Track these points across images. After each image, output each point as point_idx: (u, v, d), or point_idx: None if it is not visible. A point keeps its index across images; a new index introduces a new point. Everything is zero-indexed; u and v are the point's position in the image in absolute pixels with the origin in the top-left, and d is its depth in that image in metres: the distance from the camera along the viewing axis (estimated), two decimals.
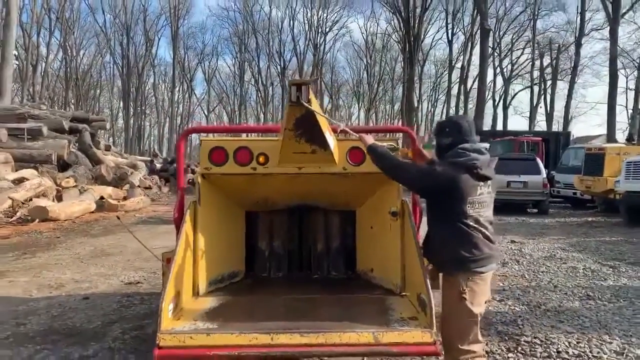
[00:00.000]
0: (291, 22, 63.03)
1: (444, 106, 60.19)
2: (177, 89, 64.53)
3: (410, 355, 2.89)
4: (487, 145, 21.53)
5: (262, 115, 66.16)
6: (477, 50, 42.87)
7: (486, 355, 3.07)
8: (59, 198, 14.31)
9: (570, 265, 7.81)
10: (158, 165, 26.56)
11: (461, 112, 53.65)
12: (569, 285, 6.54)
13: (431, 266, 3.73)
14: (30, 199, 12.98)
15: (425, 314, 2.82)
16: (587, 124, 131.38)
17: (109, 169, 18.97)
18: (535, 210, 15.93)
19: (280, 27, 63.37)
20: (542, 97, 52.43)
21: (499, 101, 54.45)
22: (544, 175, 15.45)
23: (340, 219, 4.29)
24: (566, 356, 4.07)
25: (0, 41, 24.55)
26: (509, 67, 55.32)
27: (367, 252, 4.04)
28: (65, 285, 6.42)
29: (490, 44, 45.06)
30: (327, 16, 62.02)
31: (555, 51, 50.16)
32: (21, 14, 40.30)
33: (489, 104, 50.64)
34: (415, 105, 55.18)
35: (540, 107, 52.25)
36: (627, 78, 44.44)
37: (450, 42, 53.75)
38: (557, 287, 6.48)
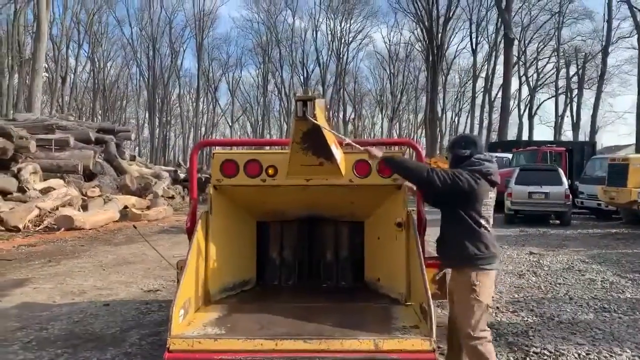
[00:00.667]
0: (314, 32, 63.59)
1: (467, 115, 59.77)
2: (201, 99, 65.44)
3: None
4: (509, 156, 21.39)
5: (285, 126, 66.61)
6: (501, 59, 42.57)
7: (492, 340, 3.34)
8: (84, 207, 14.68)
9: (589, 277, 7.75)
10: (182, 175, 26.94)
11: (485, 122, 53.34)
12: (585, 297, 6.50)
13: (440, 275, 3.80)
14: (57, 208, 13.36)
15: (427, 323, 2.89)
16: (615, 134, 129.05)
17: (133, 179, 19.36)
18: (558, 222, 15.75)
19: (303, 37, 63.99)
20: (569, 106, 51.74)
21: (525, 110, 53.91)
22: (566, 186, 15.26)
23: (349, 230, 4.38)
24: None
25: (31, 54, 25.32)
26: (535, 76, 54.76)
27: (374, 262, 4.12)
28: (87, 292, 6.62)
29: (515, 52, 44.82)
30: (350, 26, 62.46)
31: (582, 60, 49.48)
32: (51, 28, 41.51)
33: (514, 114, 50.29)
34: (439, 114, 54.99)
35: (567, 117, 51.63)
36: None
37: (474, 52, 53.50)
38: (573, 299, 6.44)
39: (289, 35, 63.82)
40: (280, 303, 3.67)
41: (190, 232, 3.57)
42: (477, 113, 55.01)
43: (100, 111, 59.96)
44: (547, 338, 4.80)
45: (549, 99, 55.28)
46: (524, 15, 50.40)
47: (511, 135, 44.81)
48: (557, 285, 7.26)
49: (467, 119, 60.25)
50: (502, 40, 40.19)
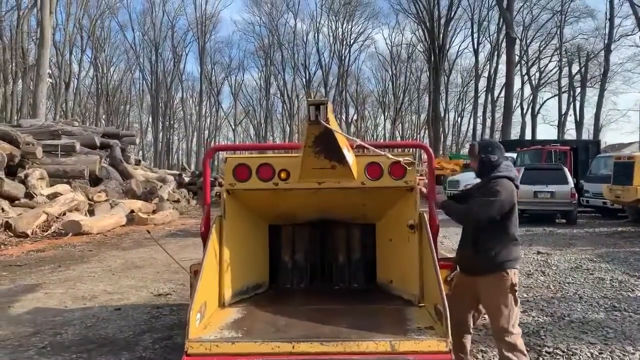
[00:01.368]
0: (316, 35, 63.78)
1: (470, 116, 59.82)
2: (204, 103, 65.69)
3: None
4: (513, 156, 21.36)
5: (287, 128, 66.75)
6: (503, 58, 42.63)
7: None
8: (91, 212, 14.76)
9: (597, 276, 7.75)
10: (186, 179, 27.02)
11: (488, 121, 53.29)
12: (594, 297, 6.51)
13: (451, 276, 3.85)
14: (64, 213, 13.42)
15: (442, 323, 2.91)
16: (619, 132, 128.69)
17: (139, 183, 19.44)
18: (564, 221, 15.73)
19: (305, 40, 64.20)
20: (572, 105, 51.66)
21: (527, 109, 53.88)
22: (572, 185, 15.23)
23: (361, 232, 4.40)
24: None
25: (35, 60, 25.41)
26: (537, 74, 54.70)
27: (386, 264, 4.14)
28: (98, 297, 6.66)
29: (517, 52, 44.79)
30: (351, 28, 62.64)
31: (584, 58, 49.38)
32: (54, 34, 41.66)
33: (517, 113, 50.20)
34: (442, 115, 54.99)
35: (570, 115, 51.53)
36: None
37: (476, 51, 53.55)
38: (583, 298, 6.45)
39: (290, 38, 64.08)
40: (294, 306, 3.68)
41: (204, 236, 3.60)
42: (480, 113, 55.09)
43: (104, 116, 60.21)
44: (558, 337, 4.82)
45: (551, 97, 55.28)
46: (526, 14, 50.49)
47: (514, 134, 44.79)
48: (566, 284, 7.27)
49: (469, 119, 60.40)
50: (504, 40, 40.23)
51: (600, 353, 4.39)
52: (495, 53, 51.55)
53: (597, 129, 45.28)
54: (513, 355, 3.36)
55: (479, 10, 52.08)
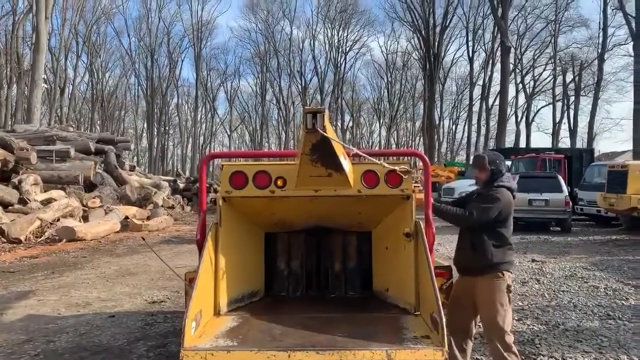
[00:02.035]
0: (312, 42, 63.85)
1: (465, 124, 60.04)
2: (199, 109, 65.59)
3: None
4: (507, 163, 21.43)
5: (283, 135, 66.76)
6: (498, 67, 42.85)
7: None
8: (85, 218, 14.68)
9: (592, 285, 7.77)
10: (181, 185, 26.97)
11: (483, 129, 53.46)
12: (589, 305, 6.52)
13: (447, 284, 3.88)
14: (58, 219, 13.35)
15: (438, 332, 2.91)
16: (612, 140, 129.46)
17: (133, 189, 19.37)
18: (558, 229, 15.78)
19: (301, 47, 64.31)
20: (566, 113, 51.96)
21: (522, 118, 54.11)
22: (566, 193, 15.32)
23: (357, 240, 4.40)
24: None
25: (30, 65, 25.36)
26: (532, 83, 55.01)
27: (382, 272, 4.13)
28: (92, 304, 6.62)
29: (512, 60, 45.04)
30: (347, 35, 62.79)
31: (578, 67, 49.72)
32: (50, 39, 41.59)
33: (511, 121, 50.44)
34: (437, 122, 55.21)
35: (564, 124, 51.78)
36: None
37: (471, 60, 53.84)
38: (577, 306, 6.46)
39: (286, 45, 64.13)
40: (290, 314, 3.67)
41: (200, 244, 3.59)
42: (475, 120, 55.32)
43: (98, 121, 59.99)
44: (553, 346, 4.82)
45: (545, 106, 55.61)
46: (520, 23, 50.94)
47: (509, 142, 44.88)
48: (561, 292, 7.28)
49: (464, 127, 60.63)
50: (499, 48, 40.52)
51: None
52: (490, 61, 51.87)
53: (590, 137, 45.57)
54: (509, 355, 3.46)
55: (474, 19, 52.47)
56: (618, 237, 13.92)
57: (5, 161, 13.89)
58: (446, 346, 2.81)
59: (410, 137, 69.24)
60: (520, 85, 53.89)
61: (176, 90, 65.80)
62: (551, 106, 53.96)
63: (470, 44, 53.65)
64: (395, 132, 68.44)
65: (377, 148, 60.42)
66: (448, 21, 48.50)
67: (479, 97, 54.38)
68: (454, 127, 65.52)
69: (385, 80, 65.67)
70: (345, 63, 63.46)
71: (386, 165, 3.62)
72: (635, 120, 30.01)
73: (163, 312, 6.17)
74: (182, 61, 66.41)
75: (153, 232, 15.55)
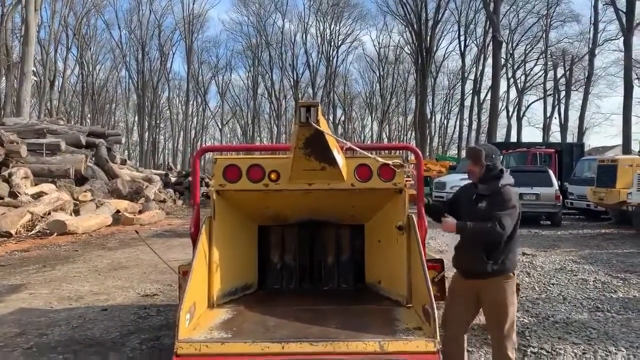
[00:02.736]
0: (304, 35, 63.72)
1: (457, 118, 60.22)
2: (191, 102, 65.30)
3: None
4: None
5: (275, 128, 66.63)
6: (490, 61, 43.00)
7: None
8: (76, 212, 14.61)
9: (581, 278, 7.86)
10: (173, 179, 26.88)
11: (474, 123, 53.67)
12: (578, 297, 6.61)
13: (439, 277, 3.91)
14: (49, 213, 13.27)
15: (430, 324, 2.95)
16: (603, 135, 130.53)
17: (124, 183, 19.29)
18: (549, 223, 15.90)
19: (293, 40, 64.19)
20: (556, 108, 52.27)
21: (513, 112, 54.43)
22: (556, 187, 15.43)
23: (350, 233, 4.43)
24: None
25: (19, 57, 25.10)
26: (523, 78, 55.28)
27: (375, 265, 4.17)
28: (84, 297, 6.61)
29: (504, 55, 45.18)
30: (339, 29, 62.77)
31: (569, 62, 49.98)
32: (39, 31, 41.17)
33: (502, 115, 50.65)
34: (428, 117, 55.33)
35: (555, 118, 52.09)
36: None
37: (462, 54, 53.92)
38: (567, 299, 6.54)
39: (278, 38, 63.99)
40: (283, 306, 3.70)
41: (194, 237, 3.60)
42: (466, 115, 55.45)
43: (89, 115, 59.56)
44: (543, 338, 4.89)
45: (537, 100, 56.02)
46: (512, 17, 51.11)
47: (500, 136, 45.07)
48: (551, 285, 7.36)
49: (456, 121, 60.78)
50: (491, 43, 40.61)
51: (583, 353, 4.46)
52: (482, 56, 51.97)
53: (581, 131, 45.87)
54: (512, 352, 3.50)
55: (466, 13, 52.44)
56: (607, 231, 14.06)
57: None
58: (438, 337, 2.85)
59: (402, 131, 69.42)
60: (512, 80, 54.16)
61: (167, 83, 65.51)
62: (542, 101, 54.41)
63: (462, 38, 53.76)
64: (387, 126, 68.59)
65: (369, 142, 60.56)
66: (440, 15, 48.65)
67: (471, 91, 54.55)
68: (445, 121, 65.81)
69: (377, 74, 65.84)
70: (337, 57, 63.56)
71: (379, 159, 3.64)
72: (625, 115, 30.30)
73: (156, 306, 6.17)
74: (174, 54, 66.16)
75: (145, 226, 15.51)
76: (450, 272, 3.91)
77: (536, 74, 54.91)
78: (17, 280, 7.65)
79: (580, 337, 4.92)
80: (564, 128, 49.79)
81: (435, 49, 50.38)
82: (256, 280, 4.25)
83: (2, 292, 6.88)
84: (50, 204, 13.59)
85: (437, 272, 4.03)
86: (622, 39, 34.09)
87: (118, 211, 15.96)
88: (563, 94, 51.44)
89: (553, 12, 49.59)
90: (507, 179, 3.57)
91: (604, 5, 38.77)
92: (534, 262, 9.24)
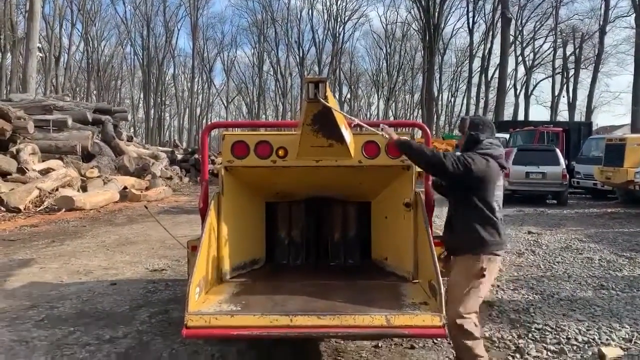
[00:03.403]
0: (310, 11, 63.43)
1: (464, 96, 59.64)
2: (196, 79, 65.01)
3: (420, 337, 3.06)
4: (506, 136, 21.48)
5: (280, 106, 66.37)
6: (498, 38, 42.42)
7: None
8: (83, 188, 14.72)
9: (586, 256, 7.87)
10: (179, 156, 26.95)
11: (482, 102, 53.18)
12: (583, 276, 6.63)
13: (445, 254, 3.93)
14: (57, 189, 13.38)
15: (436, 299, 2.99)
16: (611, 114, 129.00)
17: (131, 160, 19.38)
18: (555, 201, 15.89)
19: (299, 16, 63.56)
20: (565, 86, 51.69)
21: (521, 90, 53.87)
22: (563, 166, 15.37)
23: (357, 210, 4.46)
24: (575, 343, 4.19)
25: (24, 33, 25.00)
26: (531, 55, 54.52)
27: (381, 241, 4.20)
28: (93, 272, 6.70)
29: (512, 32, 44.57)
30: (346, 5, 61.90)
31: (579, 39, 49.26)
32: (44, 6, 40.89)
33: (510, 94, 50.16)
34: (435, 95, 54.89)
35: (563, 97, 51.56)
36: None
37: (471, 31, 53.05)
38: (572, 277, 6.57)
39: (284, 14, 63.28)
40: (291, 281, 3.75)
41: (203, 212, 3.64)
42: (474, 93, 54.89)
43: (94, 91, 59.52)
44: (547, 315, 4.92)
45: (545, 78, 55.29)
46: None
47: (507, 115, 44.75)
48: (556, 263, 7.39)
49: (463, 99, 60.24)
50: (499, 20, 40.04)
51: (587, 329, 4.49)
52: (490, 33, 51.17)
53: (589, 110, 45.42)
54: (462, 338, 3.10)
55: None
56: (613, 210, 14.02)
57: (2, 130, 13.84)
58: (444, 312, 2.89)
59: (409, 109, 68.96)
60: (520, 58, 53.46)
61: (172, 60, 65.11)
62: (550, 79, 53.73)
63: (471, 15, 52.88)
64: (393, 104, 68.11)
65: (375, 120, 60.25)
66: None
67: (479, 69, 53.95)
68: (452, 99, 65.22)
69: (384, 51, 65.04)
70: (344, 33, 62.82)
71: (386, 135, 3.64)
72: (635, 94, 29.96)
73: (164, 280, 6.25)
74: (179, 30, 65.75)
75: (151, 202, 15.61)
76: None
77: (545, 52, 54.18)
78: (27, 255, 7.76)
79: (585, 314, 4.95)
80: (572, 107, 49.33)
81: (443, 25, 49.66)
82: (264, 255, 4.30)
83: (13, 266, 6.98)
84: (58, 180, 13.69)
85: (443, 248, 4.06)
86: (633, 15, 33.57)
87: (125, 188, 16.07)
88: (572, 72, 50.81)
89: None
90: (487, 148, 3.23)
91: None
92: (539, 240, 9.25)
